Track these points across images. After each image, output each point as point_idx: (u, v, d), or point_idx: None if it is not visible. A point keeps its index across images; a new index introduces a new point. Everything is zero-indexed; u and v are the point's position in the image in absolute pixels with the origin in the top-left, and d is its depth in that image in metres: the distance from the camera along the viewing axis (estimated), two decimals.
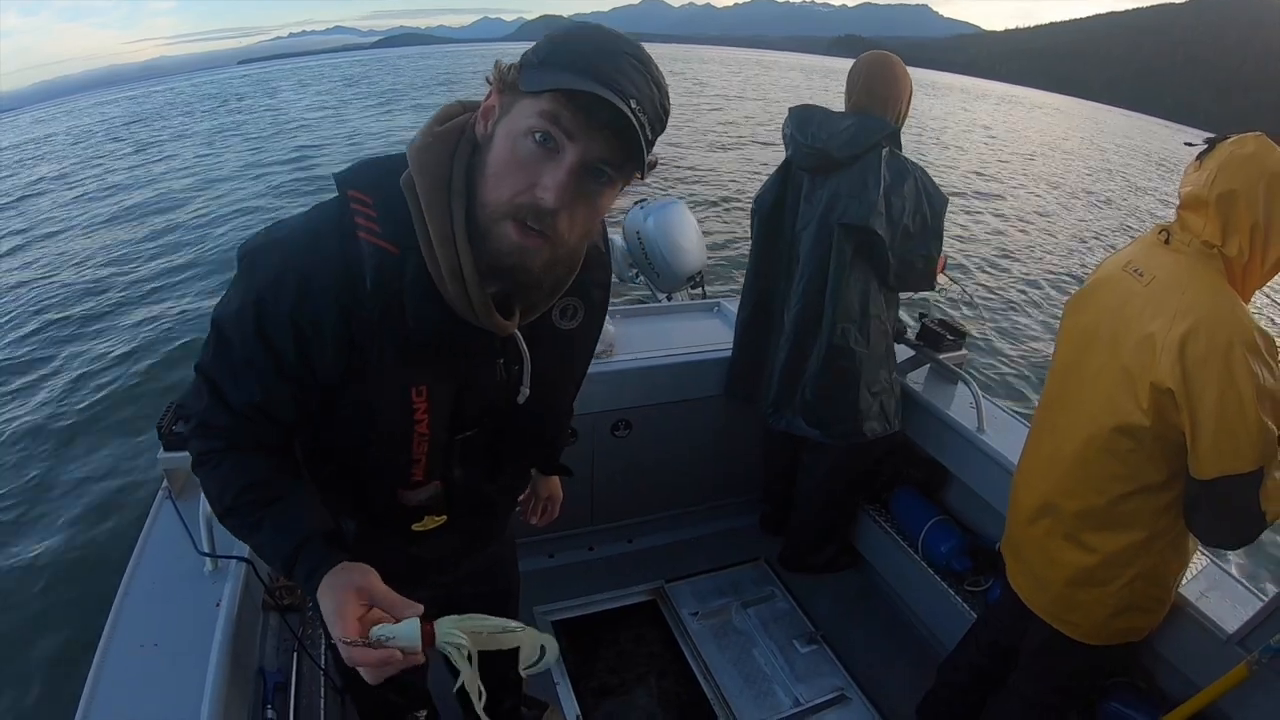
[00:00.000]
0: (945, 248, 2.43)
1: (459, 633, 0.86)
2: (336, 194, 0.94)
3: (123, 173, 16.64)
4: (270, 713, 1.59)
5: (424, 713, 1.93)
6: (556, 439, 1.54)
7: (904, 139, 2.38)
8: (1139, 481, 1.56)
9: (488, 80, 0.92)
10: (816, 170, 2.36)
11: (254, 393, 0.96)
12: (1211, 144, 1.48)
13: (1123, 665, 1.95)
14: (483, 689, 0.88)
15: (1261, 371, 1.36)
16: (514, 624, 0.92)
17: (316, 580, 0.90)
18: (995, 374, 7.18)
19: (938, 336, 2.73)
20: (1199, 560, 1.86)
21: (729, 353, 2.76)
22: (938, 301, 7.52)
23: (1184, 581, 1.74)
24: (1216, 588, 1.82)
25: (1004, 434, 2.38)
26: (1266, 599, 1.68)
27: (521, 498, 1.71)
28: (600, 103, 0.81)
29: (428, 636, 0.85)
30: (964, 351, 2.79)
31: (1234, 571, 1.89)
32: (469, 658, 0.87)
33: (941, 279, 2.55)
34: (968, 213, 14.23)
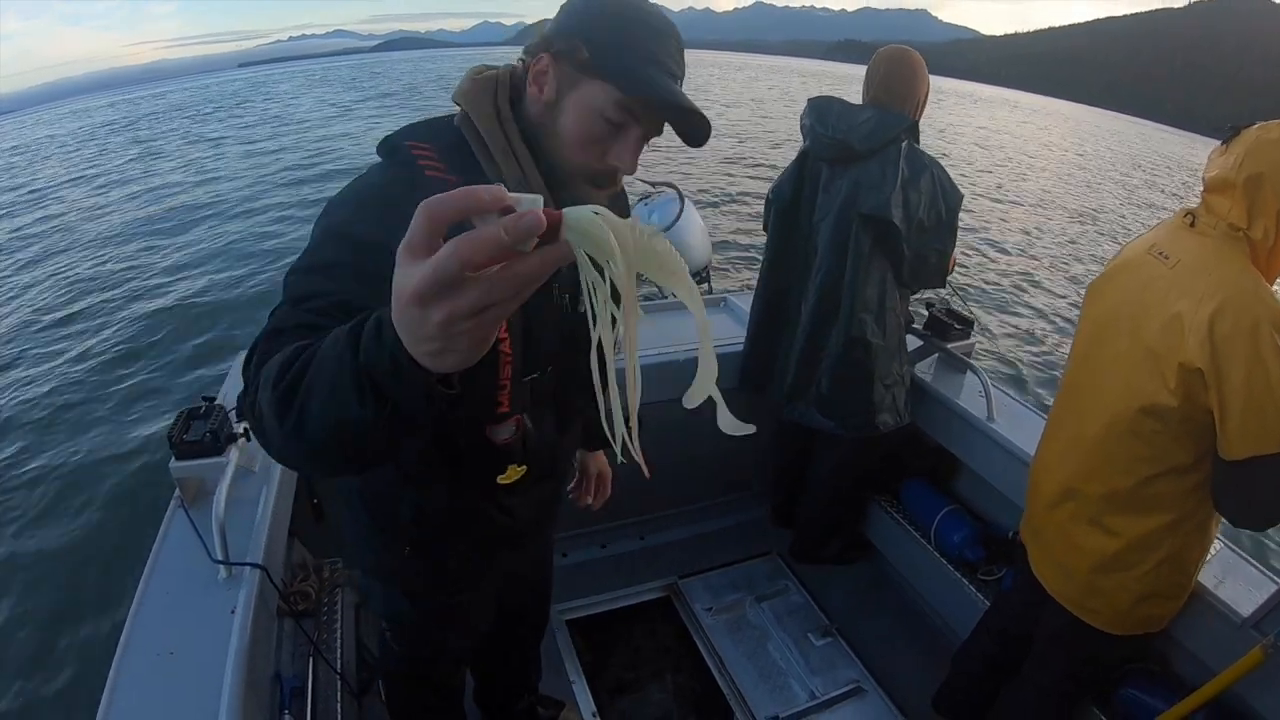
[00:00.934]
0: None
1: (598, 220, 0.54)
2: (384, 159, 1.06)
3: (128, 174, 16.73)
4: (288, 718, 1.60)
5: None
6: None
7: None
8: (1166, 463, 1.55)
9: (526, 50, 1.07)
10: (836, 161, 2.36)
11: (340, 291, 0.90)
12: (1236, 130, 1.48)
13: (1140, 651, 1.95)
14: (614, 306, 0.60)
15: None
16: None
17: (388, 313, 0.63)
18: (1004, 362, 7.16)
19: (946, 326, 2.72)
20: (1214, 545, 1.85)
21: (737, 347, 2.75)
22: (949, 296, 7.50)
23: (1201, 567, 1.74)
24: (1231, 571, 1.81)
25: (1014, 422, 2.38)
26: None
27: (572, 485, 1.81)
28: (670, 101, 0.99)
29: (554, 218, 0.53)
30: (972, 340, 2.78)
31: (1248, 555, 1.88)
32: (602, 265, 0.56)
33: (954, 278, 2.55)
34: (971, 212, 14.20)
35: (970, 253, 10.71)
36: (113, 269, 9.53)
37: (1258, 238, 1.44)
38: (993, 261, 10.59)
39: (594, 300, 0.58)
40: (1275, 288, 1.49)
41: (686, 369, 2.67)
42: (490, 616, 1.69)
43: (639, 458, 0.67)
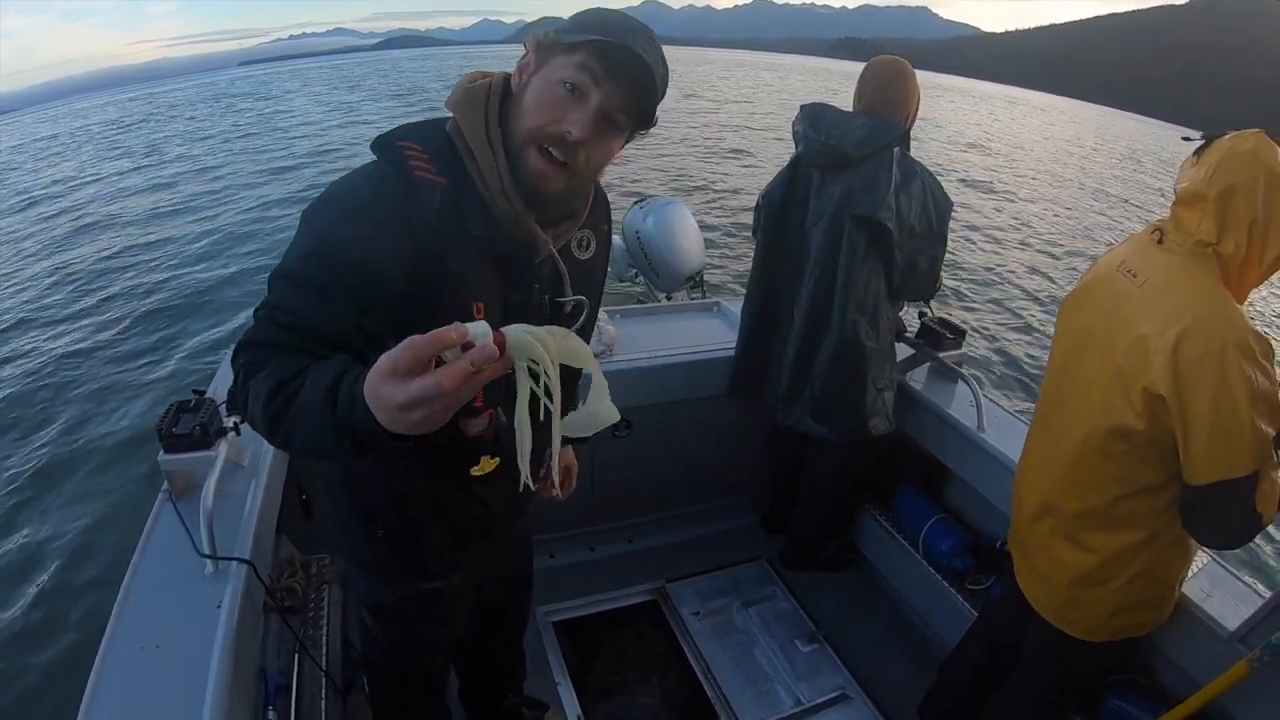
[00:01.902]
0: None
1: (529, 336, 0.78)
2: (376, 157, 1.10)
3: (129, 174, 16.69)
4: (272, 714, 1.59)
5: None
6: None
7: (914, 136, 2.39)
8: (1137, 483, 1.55)
9: (524, 45, 1.10)
10: (828, 167, 2.36)
11: (316, 315, 1.01)
12: (1209, 140, 1.47)
13: (1125, 662, 1.95)
14: (549, 408, 0.82)
15: (1255, 375, 1.34)
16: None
17: (360, 384, 0.82)
18: (995, 372, 7.18)
19: (937, 335, 2.72)
20: (1200, 558, 1.86)
21: (729, 352, 2.75)
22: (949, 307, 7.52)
23: (1186, 579, 1.74)
24: (1218, 585, 1.81)
25: (1004, 432, 2.38)
26: (1267, 596, 1.68)
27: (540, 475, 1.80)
28: (623, 55, 1.00)
29: (499, 338, 0.76)
30: (963, 350, 2.79)
31: (1235, 569, 1.89)
32: (536, 376, 0.80)
33: (943, 290, 2.56)
34: (967, 208, 14.25)
35: (967, 255, 10.76)
36: (104, 262, 9.52)
37: (1228, 252, 1.42)
38: (985, 267, 10.63)
39: (535, 386, 0.81)
40: (1249, 302, 1.49)
41: (679, 373, 2.68)
42: (468, 608, 1.70)
43: (556, 488, 1.00)
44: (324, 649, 1.93)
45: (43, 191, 15.47)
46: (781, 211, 2.52)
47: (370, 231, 1.02)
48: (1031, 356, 7.65)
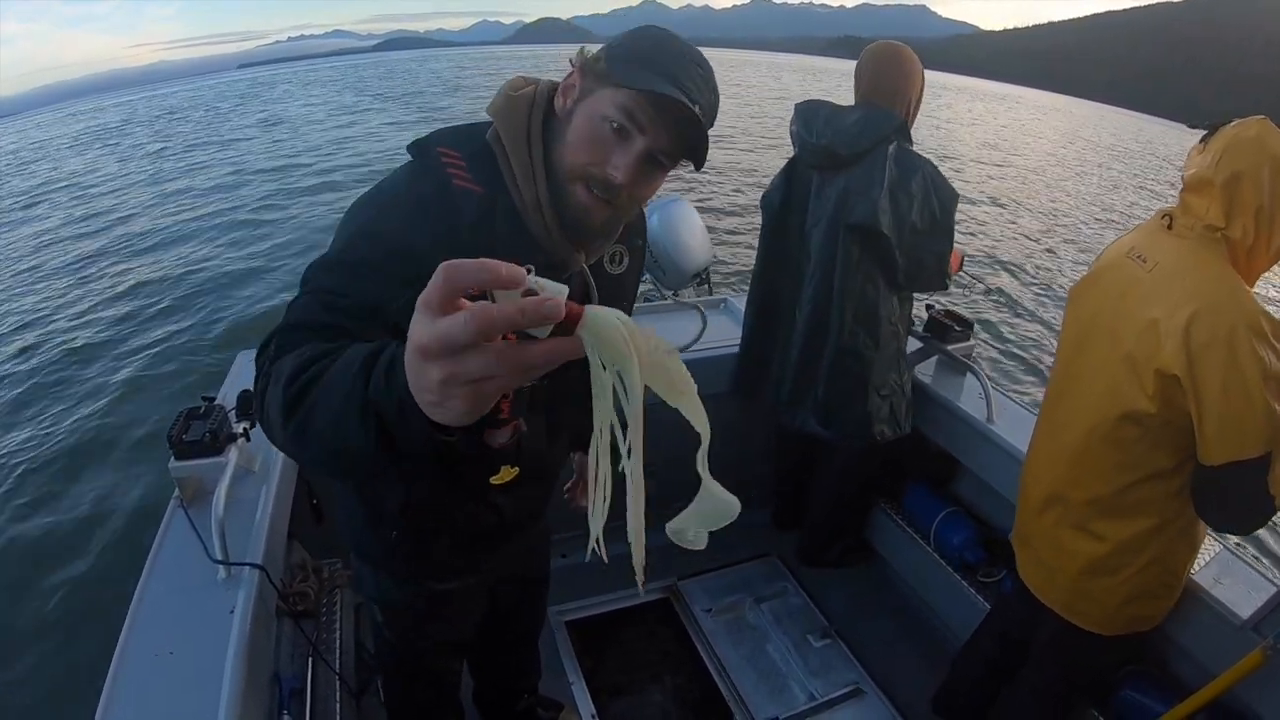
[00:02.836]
0: (957, 243, 2.38)
1: (620, 326, 0.56)
2: (413, 160, 1.09)
3: (132, 173, 16.75)
4: (286, 718, 1.59)
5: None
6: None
7: (915, 135, 2.33)
8: (1148, 468, 1.55)
9: (570, 61, 1.08)
10: (823, 168, 2.32)
11: (362, 292, 0.94)
12: (1214, 128, 1.48)
13: (1136, 653, 1.95)
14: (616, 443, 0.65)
15: (1268, 356, 1.35)
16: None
17: (402, 351, 0.63)
18: (1004, 364, 7.16)
19: (945, 328, 2.72)
20: (1211, 546, 1.85)
21: (737, 349, 2.76)
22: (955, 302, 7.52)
23: (1197, 568, 1.73)
24: (1229, 573, 1.81)
25: (1014, 424, 2.37)
26: None
27: (568, 485, 1.84)
28: (672, 103, 0.97)
29: (573, 309, 0.54)
30: (972, 342, 2.78)
31: (1247, 556, 1.88)
32: (613, 371, 0.59)
33: (962, 277, 2.54)
34: (973, 203, 14.22)
35: (972, 248, 10.72)
36: (113, 267, 9.53)
37: (1236, 237, 1.43)
38: (992, 259, 10.60)
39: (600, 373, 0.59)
40: (1258, 287, 1.49)
41: (689, 369, 2.66)
42: (481, 608, 1.70)
43: (640, 574, 0.71)
44: (337, 653, 1.94)
45: (43, 192, 15.58)
46: (781, 215, 2.50)
47: (412, 226, 1.01)
48: (1039, 347, 7.63)
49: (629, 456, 0.65)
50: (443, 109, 29.38)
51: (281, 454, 1.97)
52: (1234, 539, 1.90)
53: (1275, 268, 1.53)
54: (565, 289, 0.54)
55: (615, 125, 0.99)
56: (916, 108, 2.33)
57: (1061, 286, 9.67)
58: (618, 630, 2.65)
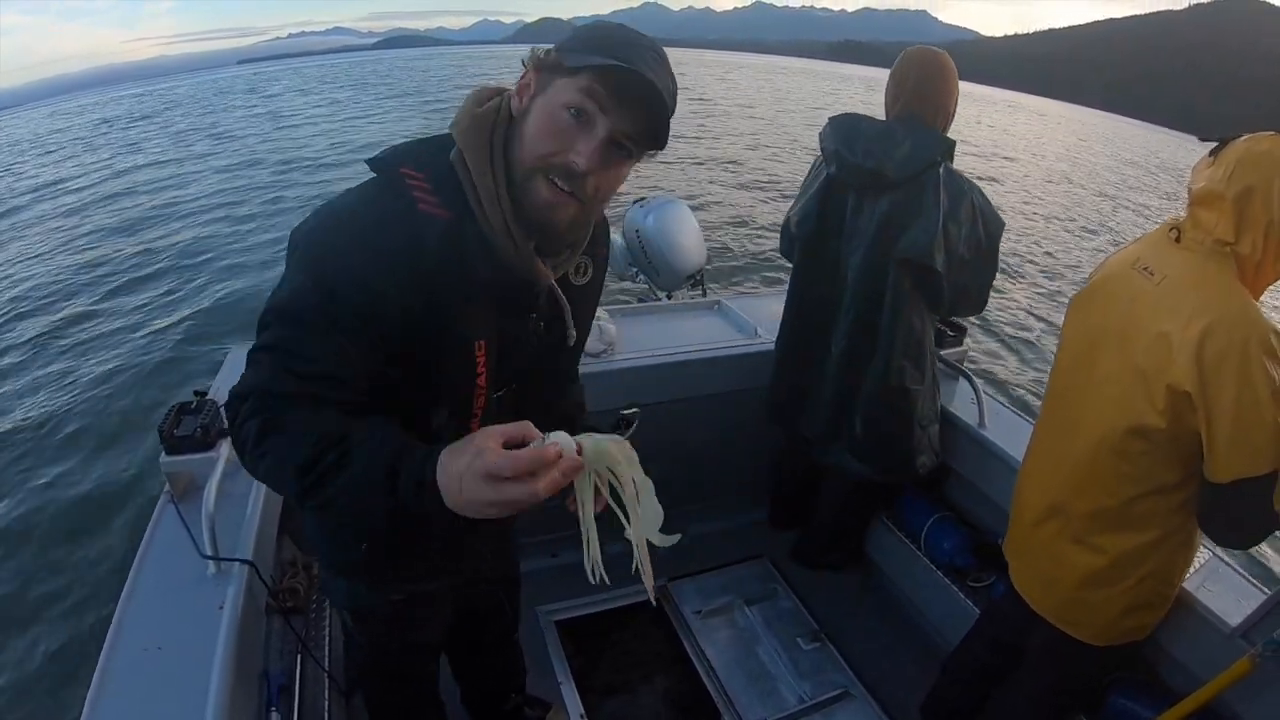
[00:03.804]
0: None
1: (608, 447, 0.94)
2: (375, 176, 1.06)
3: (130, 168, 16.71)
4: (275, 715, 1.59)
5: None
6: (570, 394, 1.56)
7: None
8: (1153, 482, 1.55)
9: (523, 63, 1.06)
10: (866, 189, 2.18)
11: (325, 356, 0.97)
12: (1224, 141, 1.47)
13: (1127, 661, 1.95)
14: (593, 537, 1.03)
15: (1277, 372, 1.35)
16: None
17: (432, 465, 0.88)
18: (996, 370, 7.18)
19: (939, 333, 2.71)
20: (1202, 554, 1.86)
21: (731, 351, 2.75)
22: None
23: (1187, 576, 1.74)
24: (1219, 581, 1.82)
25: (1006, 430, 2.38)
26: (1269, 592, 1.68)
27: None
28: (631, 80, 0.95)
29: (579, 447, 0.89)
30: (964, 347, 2.78)
31: (1237, 565, 1.89)
32: (602, 490, 1.00)
33: None
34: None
35: None
36: (103, 261, 9.50)
37: (1245, 252, 1.42)
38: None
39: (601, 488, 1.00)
40: (1264, 299, 1.49)
41: (680, 372, 2.67)
42: (450, 611, 1.70)
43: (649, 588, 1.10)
44: (326, 650, 1.93)
45: (40, 185, 15.52)
46: (816, 239, 2.33)
47: (372, 261, 0.98)
48: (1034, 354, 7.65)
49: (635, 510, 1.06)
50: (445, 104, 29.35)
51: None
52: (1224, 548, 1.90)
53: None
54: (570, 439, 0.88)
55: (574, 111, 0.97)
56: (951, 121, 2.20)
57: (1056, 292, 9.72)
58: (608, 630, 2.64)
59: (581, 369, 1.54)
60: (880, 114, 2.26)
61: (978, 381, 2.48)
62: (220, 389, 2.11)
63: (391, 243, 0.99)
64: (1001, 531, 1.98)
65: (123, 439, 5.32)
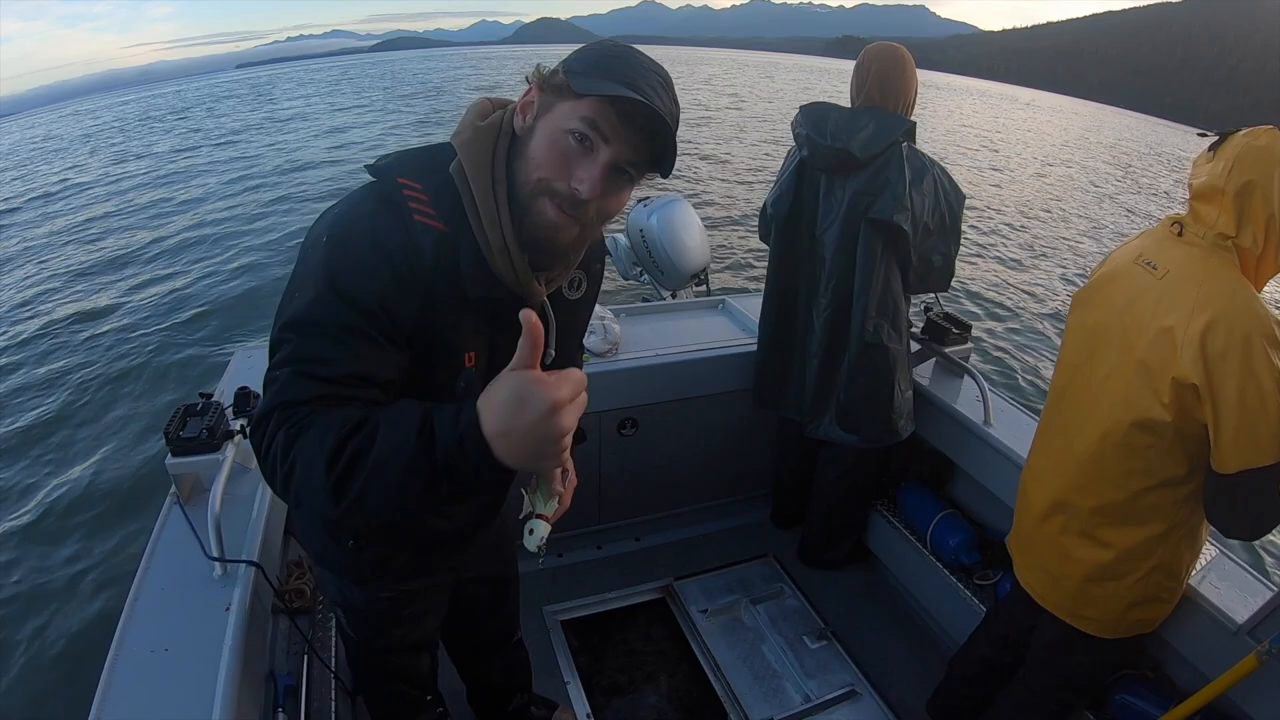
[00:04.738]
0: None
1: None
2: (374, 181, 1.05)
3: (137, 170, 16.73)
4: (282, 716, 1.59)
5: (440, 709, 1.95)
6: None
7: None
8: (1159, 475, 1.55)
9: (527, 80, 1.06)
10: (836, 170, 2.32)
11: (344, 358, 0.96)
12: (1224, 136, 1.48)
13: (1133, 657, 1.95)
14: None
15: None
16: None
17: (469, 414, 0.82)
18: (1001, 367, 7.16)
19: (943, 330, 2.72)
20: (1208, 551, 1.85)
21: (735, 349, 2.75)
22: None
23: (1194, 572, 1.74)
24: (1226, 578, 1.81)
25: (1011, 427, 2.38)
26: (1276, 589, 1.67)
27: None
28: (637, 109, 0.95)
29: None
30: (969, 345, 2.78)
31: (1243, 562, 1.88)
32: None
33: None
34: (970, 204, 14.20)
35: (971, 250, 10.72)
36: (109, 265, 9.52)
37: (1246, 246, 1.44)
38: (990, 262, 10.60)
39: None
40: (1266, 292, 1.49)
41: (685, 371, 2.68)
42: (443, 608, 1.71)
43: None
44: (333, 650, 1.94)
45: (37, 191, 15.54)
46: (791, 219, 2.48)
47: (379, 264, 0.98)
48: (1038, 351, 7.63)
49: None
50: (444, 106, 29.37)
51: None
52: (1231, 543, 1.90)
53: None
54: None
55: (578, 137, 0.97)
56: (912, 109, 2.36)
57: (1059, 289, 9.69)
58: (614, 630, 2.64)
59: (587, 369, 1.55)
60: None
61: (982, 379, 2.48)
62: (226, 391, 2.11)
63: (392, 255, 0.99)
64: (1008, 528, 1.98)
65: (128, 440, 5.33)
